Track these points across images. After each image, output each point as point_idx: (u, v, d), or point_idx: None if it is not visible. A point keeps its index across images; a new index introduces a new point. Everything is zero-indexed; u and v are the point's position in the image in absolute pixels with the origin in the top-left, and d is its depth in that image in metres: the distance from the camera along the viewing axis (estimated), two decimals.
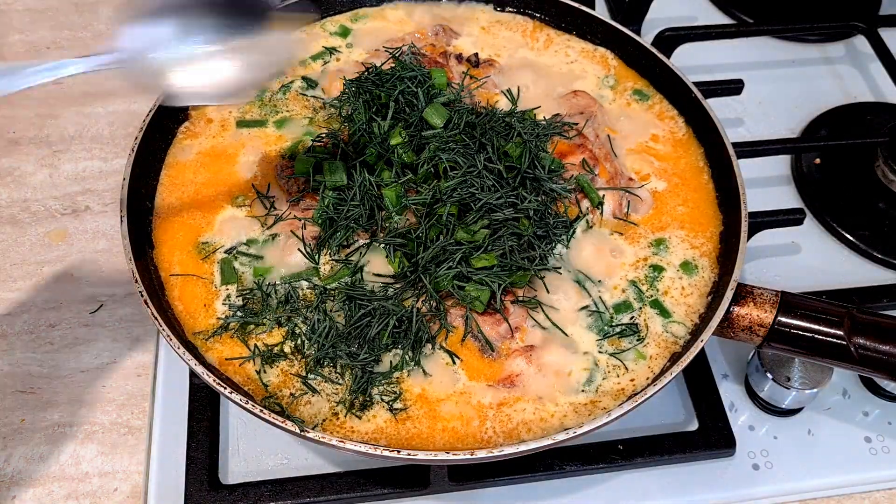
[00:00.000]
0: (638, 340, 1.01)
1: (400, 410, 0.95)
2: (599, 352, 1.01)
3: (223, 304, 1.02)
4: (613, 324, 1.03)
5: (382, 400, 0.95)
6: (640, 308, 1.04)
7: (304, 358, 0.98)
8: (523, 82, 1.25)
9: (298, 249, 1.04)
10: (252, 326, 1.00)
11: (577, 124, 1.17)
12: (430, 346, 0.98)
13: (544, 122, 1.17)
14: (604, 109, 1.23)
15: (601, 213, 1.11)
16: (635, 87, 1.27)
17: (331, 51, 1.28)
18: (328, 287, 1.02)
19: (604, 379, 0.99)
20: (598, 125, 1.19)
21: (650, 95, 1.26)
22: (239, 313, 1.00)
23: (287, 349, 0.98)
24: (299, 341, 0.99)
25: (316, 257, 1.04)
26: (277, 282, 1.03)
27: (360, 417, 0.94)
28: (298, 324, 1.00)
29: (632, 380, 0.99)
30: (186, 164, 1.15)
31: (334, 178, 1.05)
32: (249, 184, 1.13)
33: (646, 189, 1.15)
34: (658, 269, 1.08)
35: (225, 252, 1.06)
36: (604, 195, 1.11)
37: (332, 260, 1.04)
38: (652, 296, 1.05)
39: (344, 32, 1.32)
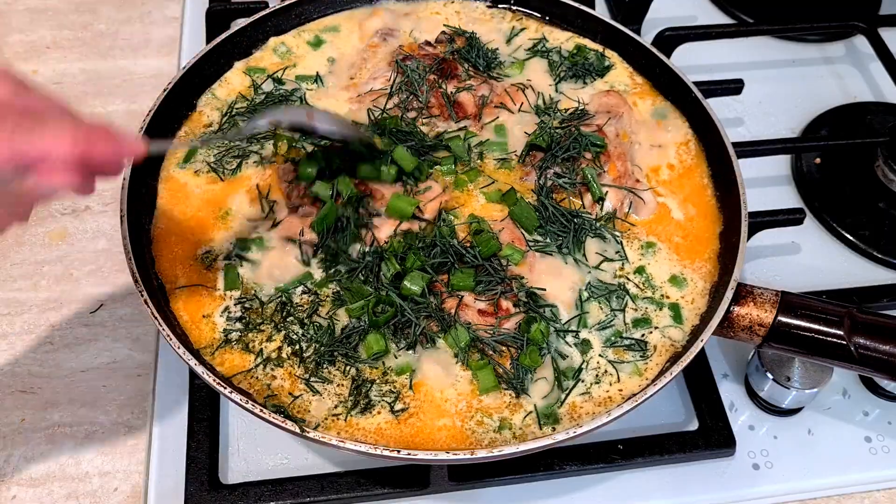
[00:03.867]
0: (641, 358, 1.01)
1: (401, 411, 0.95)
2: (600, 355, 1.01)
3: (221, 315, 1.01)
4: (624, 336, 1.02)
5: (383, 401, 0.95)
6: (658, 310, 1.05)
7: (303, 362, 0.97)
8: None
9: (295, 257, 1.04)
10: (252, 334, 1.00)
11: (594, 118, 1.19)
12: (431, 345, 0.98)
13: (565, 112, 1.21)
14: (632, 112, 1.23)
15: (601, 208, 1.11)
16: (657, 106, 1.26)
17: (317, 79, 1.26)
18: (320, 293, 1.02)
19: (594, 383, 0.99)
20: (621, 126, 1.19)
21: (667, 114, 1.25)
22: (238, 325, 1.00)
23: (285, 354, 0.98)
24: (297, 346, 0.98)
25: (312, 263, 1.04)
26: (273, 291, 1.03)
27: (357, 420, 0.94)
28: (295, 329, 1.00)
29: (620, 390, 0.99)
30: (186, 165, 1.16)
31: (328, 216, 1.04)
32: (251, 186, 1.12)
33: (650, 193, 1.15)
34: (642, 270, 1.09)
35: (224, 259, 1.06)
36: (607, 192, 1.11)
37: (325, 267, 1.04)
38: (668, 296, 1.06)
39: (317, 43, 1.30)
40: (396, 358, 0.98)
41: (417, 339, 0.98)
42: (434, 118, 1.20)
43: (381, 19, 1.32)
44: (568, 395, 0.97)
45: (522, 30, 1.32)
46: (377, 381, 0.96)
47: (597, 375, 0.99)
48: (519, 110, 1.21)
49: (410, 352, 0.98)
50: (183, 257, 1.06)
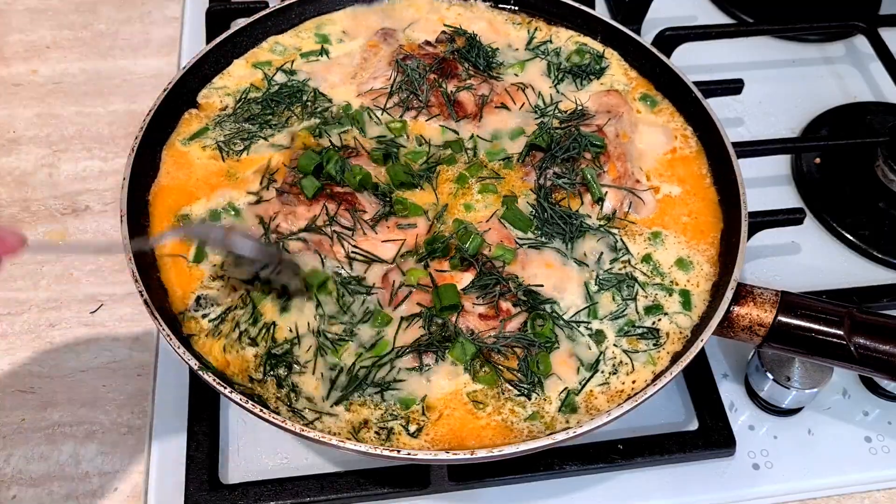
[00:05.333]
0: (655, 346, 1.01)
1: (418, 431, 0.94)
2: (615, 345, 1.01)
3: (194, 306, 1.02)
4: (636, 325, 1.03)
5: (400, 426, 0.94)
6: (669, 296, 1.05)
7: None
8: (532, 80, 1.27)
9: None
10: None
11: (594, 118, 1.19)
12: (441, 360, 0.98)
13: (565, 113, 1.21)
14: (632, 112, 1.23)
15: (601, 208, 1.11)
16: (645, 92, 1.26)
17: (323, 52, 1.28)
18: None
19: (612, 373, 0.99)
20: (620, 126, 1.19)
21: (658, 101, 1.26)
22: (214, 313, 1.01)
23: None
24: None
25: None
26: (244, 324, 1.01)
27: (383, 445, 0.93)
28: (281, 373, 0.97)
29: (633, 381, 0.99)
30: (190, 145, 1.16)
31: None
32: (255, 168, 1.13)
33: (650, 193, 1.15)
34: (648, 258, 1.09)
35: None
36: (606, 192, 1.11)
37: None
38: (677, 282, 1.06)
39: (324, 38, 1.31)
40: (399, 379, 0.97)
41: (422, 357, 0.97)
42: (434, 117, 1.20)
43: (380, 18, 1.33)
44: (585, 385, 0.97)
45: (536, 30, 1.33)
46: (378, 417, 0.95)
47: (613, 366, 0.99)
48: (520, 110, 1.22)
49: (416, 373, 0.97)
50: (168, 217, 1.08)
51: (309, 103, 1.21)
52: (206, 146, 1.16)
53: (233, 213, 1.08)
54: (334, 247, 1.04)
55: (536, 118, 1.21)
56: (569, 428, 0.90)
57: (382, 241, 1.05)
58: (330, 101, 1.22)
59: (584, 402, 0.97)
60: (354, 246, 1.04)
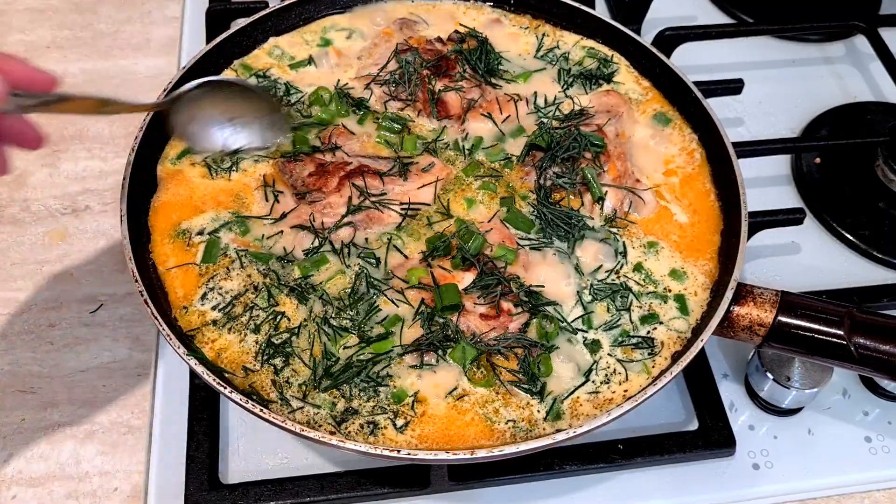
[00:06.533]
0: (650, 355, 1.01)
1: (404, 426, 0.94)
2: (609, 354, 1.00)
3: (201, 303, 1.01)
4: (631, 334, 1.02)
5: (388, 420, 0.94)
6: (664, 303, 1.05)
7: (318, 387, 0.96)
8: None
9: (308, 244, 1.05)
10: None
11: (594, 117, 1.18)
12: (442, 360, 0.98)
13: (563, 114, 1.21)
14: (632, 111, 1.23)
15: (601, 208, 1.11)
16: (659, 110, 1.25)
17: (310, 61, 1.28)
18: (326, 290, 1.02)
19: (603, 382, 0.99)
20: (620, 125, 1.19)
21: (672, 119, 1.24)
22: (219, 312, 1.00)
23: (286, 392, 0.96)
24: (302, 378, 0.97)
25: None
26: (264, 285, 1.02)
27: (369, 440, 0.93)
28: (278, 363, 0.97)
29: (625, 391, 0.98)
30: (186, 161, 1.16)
31: None
32: (250, 181, 1.12)
33: (650, 192, 1.15)
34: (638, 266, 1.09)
35: (209, 234, 1.06)
36: (606, 192, 1.11)
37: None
38: (670, 289, 1.06)
39: (325, 43, 1.30)
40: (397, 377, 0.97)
41: (423, 356, 0.97)
42: (420, 113, 1.20)
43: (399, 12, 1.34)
44: (572, 392, 0.97)
45: (545, 35, 1.32)
46: (369, 409, 0.95)
47: (606, 375, 0.99)
48: (504, 121, 1.20)
49: (413, 370, 0.97)
50: (172, 234, 1.07)
51: (284, 97, 1.21)
52: (195, 163, 1.14)
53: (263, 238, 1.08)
54: (384, 214, 1.07)
55: (537, 120, 1.21)
56: (569, 428, 0.90)
57: (418, 189, 1.09)
58: (301, 92, 1.22)
59: (568, 409, 0.96)
60: (402, 203, 1.08)
